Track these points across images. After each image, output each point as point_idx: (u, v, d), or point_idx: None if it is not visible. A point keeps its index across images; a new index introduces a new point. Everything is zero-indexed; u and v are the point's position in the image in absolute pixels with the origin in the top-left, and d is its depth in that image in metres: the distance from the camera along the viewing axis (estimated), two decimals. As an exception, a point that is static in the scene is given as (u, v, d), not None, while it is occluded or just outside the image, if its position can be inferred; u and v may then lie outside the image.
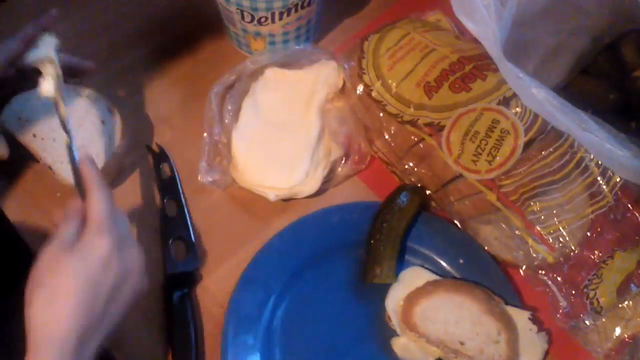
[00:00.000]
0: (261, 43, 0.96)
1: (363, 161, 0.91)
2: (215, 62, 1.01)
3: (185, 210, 0.87)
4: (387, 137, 0.87)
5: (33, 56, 0.76)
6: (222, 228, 0.87)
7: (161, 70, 1.00)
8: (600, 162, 0.76)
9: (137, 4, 1.07)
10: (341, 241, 0.85)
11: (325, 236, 0.85)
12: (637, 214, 0.77)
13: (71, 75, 0.85)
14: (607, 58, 0.94)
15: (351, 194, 0.91)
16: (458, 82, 0.83)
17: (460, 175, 0.81)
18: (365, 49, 0.91)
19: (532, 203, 0.78)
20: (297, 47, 0.98)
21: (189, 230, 0.86)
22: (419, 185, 0.87)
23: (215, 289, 0.83)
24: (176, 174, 0.90)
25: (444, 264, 0.84)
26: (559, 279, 0.79)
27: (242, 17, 0.90)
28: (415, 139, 0.84)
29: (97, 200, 0.64)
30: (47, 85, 0.75)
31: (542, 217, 0.78)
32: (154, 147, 0.92)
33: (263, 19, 0.90)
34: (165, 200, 0.88)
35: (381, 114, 0.86)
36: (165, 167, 0.91)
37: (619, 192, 0.77)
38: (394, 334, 0.78)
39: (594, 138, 0.70)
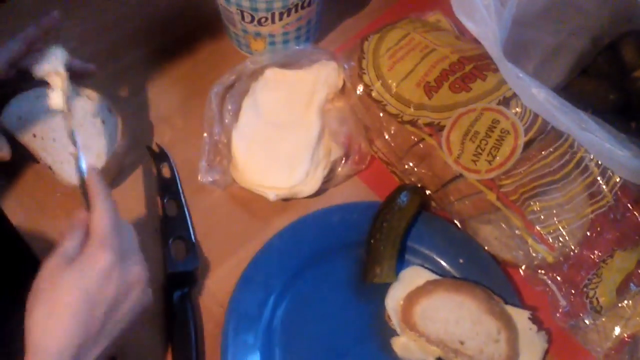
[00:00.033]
0: (261, 43, 0.96)
1: (363, 161, 0.91)
2: (215, 62, 1.01)
3: (186, 210, 0.87)
4: (387, 137, 0.87)
5: (42, 69, 0.77)
6: (222, 228, 0.87)
7: (161, 70, 1.00)
8: (600, 162, 0.76)
9: (137, 4, 1.07)
10: (341, 241, 0.85)
11: (326, 236, 0.85)
12: (636, 214, 0.77)
13: (72, 77, 0.85)
14: (607, 58, 0.94)
15: (351, 194, 0.91)
16: (458, 82, 0.83)
17: (460, 175, 0.81)
18: (365, 49, 0.91)
19: (532, 203, 0.78)
20: (297, 47, 0.98)
21: (189, 230, 0.86)
22: (419, 185, 0.87)
23: (215, 288, 0.83)
24: (176, 173, 0.90)
25: (444, 263, 0.84)
26: (558, 278, 0.79)
27: (242, 18, 0.90)
28: (415, 139, 0.84)
29: (101, 214, 0.64)
30: (57, 98, 0.76)
31: (542, 217, 0.78)
32: (154, 147, 0.93)
33: (263, 20, 0.90)
34: (165, 200, 0.88)
35: (381, 114, 0.87)
36: (165, 167, 0.91)
37: (619, 192, 0.77)
38: (394, 333, 0.78)
39: (593, 138, 0.70)
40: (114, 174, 0.88)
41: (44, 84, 0.83)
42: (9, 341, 0.84)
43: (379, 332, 0.80)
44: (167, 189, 0.89)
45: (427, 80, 0.84)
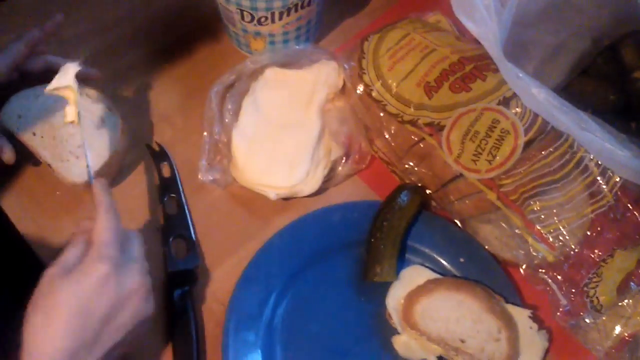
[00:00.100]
0: (261, 43, 0.96)
1: (363, 161, 0.91)
2: (215, 61, 1.01)
3: (186, 208, 0.87)
4: (387, 136, 0.87)
5: (55, 85, 0.77)
6: (222, 226, 0.87)
7: (161, 69, 1.00)
8: (600, 162, 0.76)
9: (138, 3, 1.07)
10: (342, 240, 0.85)
11: (326, 235, 0.85)
12: (637, 214, 0.77)
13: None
14: (607, 59, 0.94)
15: (352, 193, 0.91)
16: (458, 82, 0.83)
17: (461, 175, 0.81)
18: (365, 49, 0.91)
19: (532, 202, 0.78)
20: (297, 47, 0.98)
21: (189, 229, 0.86)
22: (420, 184, 0.87)
23: (216, 287, 0.83)
24: (176, 172, 0.90)
25: (444, 262, 0.84)
26: (559, 277, 0.79)
27: (242, 17, 0.91)
28: (416, 138, 0.84)
29: (102, 224, 0.66)
30: (71, 113, 0.77)
31: (542, 216, 0.78)
32: (154, 146, 0.93)
33: (263, 19, 0.90)
34: (165, 199, 0.88)
35: (381, 114, 0.87)
36: (165, 166, 0.91)
37: (619, 192, 0.77)
38: (394, 332, 0.79)
39: (593, 138, 0.70)
40: (114, 173, 0.88)
41: (43, 82, 0.84)
42: (10, 341, 0.84)
43: (380, 330, 0.80)
44: (167, 188, 0.89)
45: (427, 80, 0.84)
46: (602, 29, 0.90)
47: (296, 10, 0.90)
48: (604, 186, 0.77)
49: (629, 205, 0.77)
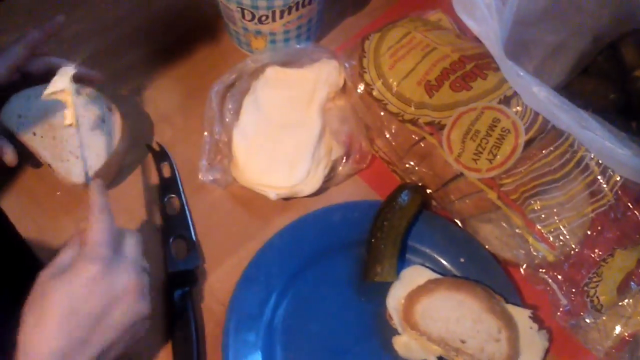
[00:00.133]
0: (262, 42, 0.96)
1: (364, 160, 0.91)
2: (215, 60, 1.01)
3: (186, 208, 0.87)
4: (388, 136, 0.87)
5: (52, 89, 0.78)
6: (222, 227, 0.87)
7: (161, 69, 1.00)
8: (600, 161, 0.76)
9: (138, 3, 1.07)
10: (342, 240, 0.85)
11: (326, 235, 0.85)
12: (637, 213, 0.77)
13: (77, 81, 0.86)
14: (608, 58, 0.94)
15: (352, 193, 0.91)
16: (459, 81, 0.83)
17: (461, 174, 0.81)
18: (366, 48, 0.91)
19: (532, 202, 0.78)
20: (298, 46, 0.98)
21: (189, 229, 0.86)
22: (420, 184, 0.87)
23: (216, 287, 0.83)
24: (177, 172, 0.90)
25: (444, 262, 0.84)
26: (559, 277, 0.79)
27: (243, 16, 0.90)
28: (416, 137, 0.84)
29: (94, 225, 0.66)
30: (70, 115, 0.78)
31: (543, 216, 0.78)
32: (155, 146, 0.93)
33: (264, 18, 0.90)
34: (165, 199, 0.88)
35: (382, 113, 0.87)
36: (165, 166, 0.91)
37: (620, 191, 0.77)
38: (395, 332, 0.79)
39: (594, 136, 0.70)
40: (114, 173, 0.88)
41: (44, 82, 0.84)
42: (9, 342, 0.84)
43: (380, 331, 0.80)
44: (167, 188, 0.89)
45: (428, 79, 0.84)
46: (602, 27, 0.90)
47: (297, 9, 0.90)
48: (605, 185, 0.77)
49: (629, 204, 0.77)
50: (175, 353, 0.77)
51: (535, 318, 0.78)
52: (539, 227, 0.78)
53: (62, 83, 0.77)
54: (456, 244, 0.85)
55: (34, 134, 0.84)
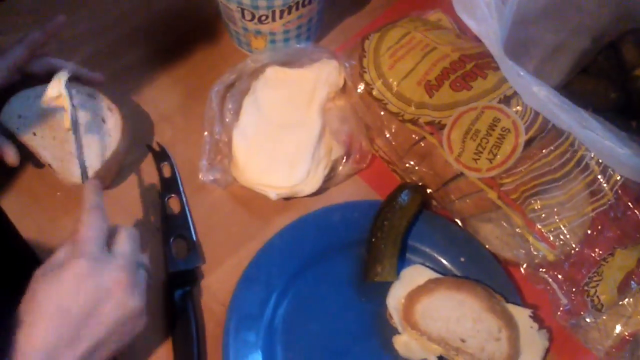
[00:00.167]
0: (262, 42, 0.96)
1: (364, 160, 0.91)
2: (215, 61, 1.01)
3: (186, 208, 0.87)
4: (388, 135, 0.87)
5: (49, 95, 0.79)
6: (223, 226, 0.87)
7: (161, 69, 1.00)
8: (600, 161, 0.76)
9: (138, 3, 1.07)
10: (342, 240, 0.85)
11: (327, 235, 0.85)
12: (637, 212, 0.77)
13: (77, 82, 0.87)
14: (608, 57, 0.94)
15: (352, 192, 0.91)
16: (459, 80, 0.83)
17: (461, 174, 0.81)
18: (366, 48, 0.91)
19: (532, 201, 0.78)
20: (298, 45, 0.98)
21: (190, 229, 0.86)
22: (420, 184, 0.87)
23: (216, 287, 0.83)
24: (177, 172, 0.90)
25: (445, 262, 0.84)
26: (559, 276, 0.79)
27: (243, 16, 0.90)
28: (416, 137, 0.84)
29: (84, 223, 0.67)
30: (67, 119, 0.78)
31: (543, 215, 0.78)
32: (155, 146, 0.93)
33: (264, 17, 0.90)
34: (166, 199, 0.88)
35: (382, 113, 0.87)
36: (166, 166, 0.91)
37: (620, 190, 0.77)
38: (395, 332, 0.79)
39: (594, 136, 0.70)
40: (114, 173, 0.88)
41: (44, 83, 0.84)
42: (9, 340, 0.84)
43: (380, 330, 0.80)
44: (168, 188, 0.89)
45: (428, 79, 0.84)
46: (602, 26, 0.90)
47: (297, 9, 0.90)
48: (605, 185, 0.77)
49: (629, 203, 0.77)
50: (175, 353, 0.77)
51: (535, 317, 0.78)
52: (539, 227, 0.78)
53: (57, 89, 0.78)
54: (456, 244, 0.85)
55: (34, 134, 0.84)
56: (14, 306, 0.63)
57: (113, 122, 0.87)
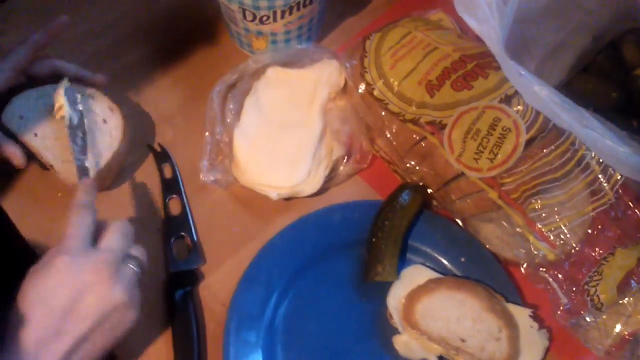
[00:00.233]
0: (263, 42, 0.96)
1: (365, 160, 0.91)
2: (216, 61, 1.01)
3: (187, 209, 0.88)
4: (389, 135, 0.87)
5: (55, 109, 0.83)
6: (223, 227, 0.87)
7: (163, 69, 1.00)
8: (601, 160, 0.76)
9: (139, 3, 1.07)
10: (343, 240, 0.85)
11: (327, 235, 0.85)
12: (637, 212, 0.77)
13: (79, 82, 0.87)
14: (608, 56, 0.94)
15: (353, 193, 0.91)
16: (460, 80, 0.83)
17: (462, 174, 0.81)
18: (367, 48, 0.91)
19: (533, 201, 0.78)
20: (299, 46, 0.98)
21: (191, 229, 0.86)
22: (421, 183, 0.87)
23: (217, 287, 0.83)
24: (178, 173, 0.90)
25: (445, 262, 0.84)
26: (559, 276, 0.79)
27: (244, 16, 0.90)
28: (417, 137, 0.84)
29: (69, 222, 0.68)
30: (66, 122, 0.82)
31: (544, 215, 0.78)
32: (156, 147, 0.93)
33: (265, 18, 0.90)
34: (167, 200, 0.88)
35: (383, 113, 0.87)
36: (167, 167, 0.91)
37: (620, 190, 0.77)
38: (395, 331, 0.79)
39: (595, 135, 0.70)
40: (115, 173, 0.88)
41: (47, 84, 0.85)
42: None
43: (381, 330, 0.80)
44: (169, 188, 0.89)
45: (429, 79, 0.84)
46: (603, 26, 0.90)
47: (298, 9, 0.90)
48: (605, 184, 0.77)
49: (629, 203, 0.77)
50: (176, 353, 0.77)
51: (535, 317, 0.78)
52: (539, 226, 0.78)
53: (59, 101, 0.82)
54: (457, 244, 0.84)
55: (36, 134, 0.84)
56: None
57: (114, 122, 0.87)
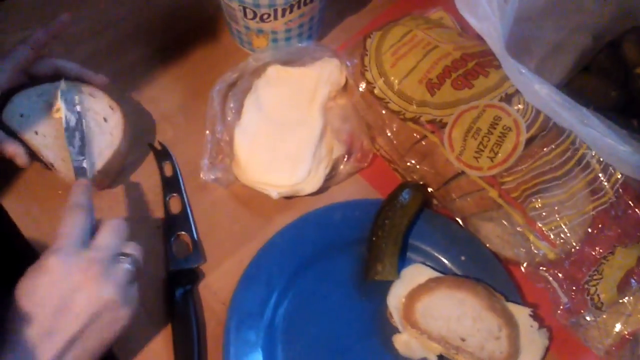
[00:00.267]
0: (264, 40, 0.96)
1: (365, 159, 0.91)
2: (217, 59, 1.01)
3: (188, 207, 0.88)
4: (389, 134, 0.87)
5: (55, 110, 0.84)
6: (224, 225, 0.88)
7: (163, 68, 1.00)
8: (601, 159, 0.76)
9: (139, 2, 1.07)
10: (343, 239, 0.85)
11: (328, 234, 0.85)
12: (637, 211, 0.77)
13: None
14: (609, 55, 0.94)
15: (353, 191, 0.91)
16: (460, 79, 0.83)
17: (462, 173, 0.81)
18: (367, 46, 0.91)
19: (533, 200, 0.78)
20: (300, 44, 0.98)
21: (191, 228, 0.86)
22: (421, 182, 0.87)
23: (217, 286, 0.83)
24: (178, 171, 0.91)
25: (445, 261, 0.84)
26: (560, 275, 0.79)
27: (245, 14, 0.90)
28: (418, 136, 0.84)
29: (62, 222, 0.69)
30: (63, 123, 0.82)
31: (544, 214, 0.78)
32: (156, 145, 0.93)
33: (265, 16, 0.90)
34: (167, 198, 0.88)
35: (383, 112, 0.86)
36: (167, 165, 0.91)
37: (620, 189, 0.77)
38: (395, 330, 0.79)
39: (595, 134, 0.70)
40: (115, 172, 0.89)
41: (46, 82, 0.85)
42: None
43: (381, 329, 0.80)
44: (169, 187, 0.89)
45: (430, 77, 0.84)
46: (603, 25, 0.90)
47: (299, 7, 0.90)
48: (606, 183, 0.77)
49: (630, 202, 0.77)
50: (176, 351, 0.77)
51: (535, 316, 0.78)
52: (540, 225, 0.78)
53: (57, 102, 0.84)
54: (457, 243, 0.84)
55: (36, 133, 0.84)
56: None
57: (115, 121, 0.87)
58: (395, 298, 0.79)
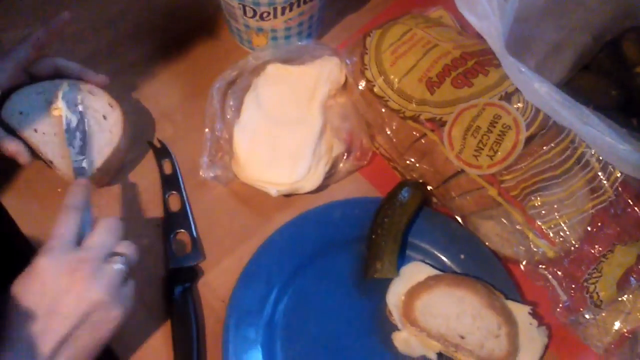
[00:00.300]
0: (263, 39, 0.96)
1: (365, 157, 0.91)
2: (217, 57, 1.01)
3: (187, 205, 0.88)
4: (389, 132, 0.87)
5: (52, 111, 0.84)
6: (223, 223, 0.88)
7: (163, 65, 1.00)
8: (601, 158, 0.76)
9: (139, 1, 1.06)
10: (342, 236, 0.85)
11: (327, 231, 0.85)
12: (637, 209, 0.77)
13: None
14: (609, 54, 0.94)
15: (353, 189, 0.91)
16: (460, 77, 0.83)
17: (462, 171, 0.81)
18: (367, 45, 0.91)
19: (533, 198, 0.78)
20: (300, 42, 0.98)
21: (190, 226, 0.86)
22: (421, 181, 0.87)
23: (216, 283, 0.83)
24: (178, 169, 0.90)
25: (445, 259, 0.84)
26: (559, 273, 0.79)
27: (244, 12, 0.90)
28: (417, 134, 0.84)
29: (56, 223, 0.69)
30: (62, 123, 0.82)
31: (543, 212, 0.78)
32: (156, 143, 0.93)
33: (265, 14, 0.90)
34: (167, 196, 0.88)
35: (383, 110, 0.87)
36: (167, 163, 0.91)
37: (620, 187, 0.77)
38: (394, 328, 0.79)
39: (595, 132, 0.70)
40: (115, 170, 0.89)
41: (45, 79, 0.85)
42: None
43: (380, 327, 0.80)
44: (168, 185, 0.89)
45: (429, 76, 0.84)
46: (603, 24, 0.90)
47: (299, 6, 0.90)
48: (605, 182, 0.77)
49: (629, 200, 0.77)
50: (175, 349, 0.77)
51: (535, 314, 0.78)
52: (539, 223, 0.78)
53: (58, 104, 0.84)
54: (456, 241, 0.84)
55: (35, 130, 0.84)
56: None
57: (114, 118, 0.87)
58: (395, 296, 0.79)
